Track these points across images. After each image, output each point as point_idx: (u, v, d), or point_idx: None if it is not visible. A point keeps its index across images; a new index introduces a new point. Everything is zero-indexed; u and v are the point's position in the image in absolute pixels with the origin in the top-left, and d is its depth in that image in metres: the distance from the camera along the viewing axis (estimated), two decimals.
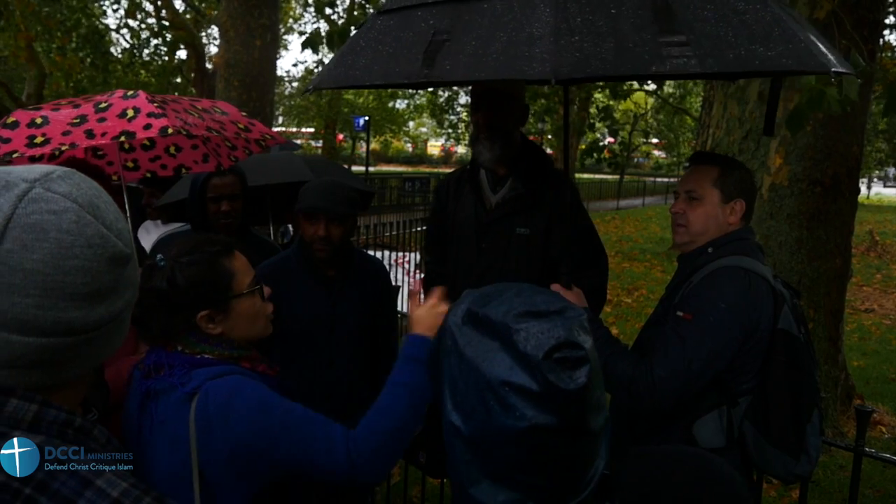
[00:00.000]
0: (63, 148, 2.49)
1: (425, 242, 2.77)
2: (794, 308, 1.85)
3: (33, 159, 2.64)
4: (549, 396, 0.84)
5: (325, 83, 1.76)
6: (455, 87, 28.59)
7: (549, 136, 23.16)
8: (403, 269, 6.12)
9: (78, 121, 2.56)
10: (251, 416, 1.31)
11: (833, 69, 1.38)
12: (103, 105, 2.64)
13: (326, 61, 1.98)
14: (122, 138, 2.50)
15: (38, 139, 2.50)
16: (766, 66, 1.34)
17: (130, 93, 2.72)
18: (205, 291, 1.41)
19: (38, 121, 2.58)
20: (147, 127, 2.49)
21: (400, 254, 6.34)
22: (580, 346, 0.86)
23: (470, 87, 2.48)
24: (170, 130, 2.47)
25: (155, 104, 2.61)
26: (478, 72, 1.41)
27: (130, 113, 2.56)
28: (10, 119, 2.62)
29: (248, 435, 1.30)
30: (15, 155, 2.45)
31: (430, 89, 29.26)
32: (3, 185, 0.78)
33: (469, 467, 0.91)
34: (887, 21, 5.38)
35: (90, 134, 2.49)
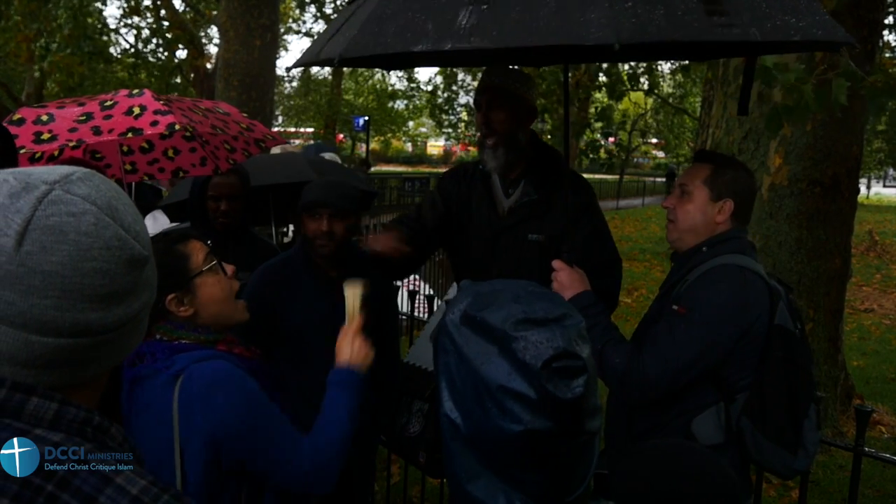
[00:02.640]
0: (70, 144, 2.51)
1: (410, 213, 2.49)
2: (790, 303, 1.87)
3: (33, 159, 2.65)
4: (546, 404, 0.86)
5: (351, 51, 1.49)
6: (454, 87, 28.61)
7: (549, 136, 23.16)
8: None
9: (84, 118, 2.57)
10: (235, 405, 1.40)
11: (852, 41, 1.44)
12: (109, 103, 2.66)
13: None
14: (130, 135, 2.52)
15: (45, 135, 2.51)
16: (801, 37, 1.37)
17: (136, 91, 2.74)
18: (164, 275, 1.49)
19: (45, 118, 2.59)
20: (154, 124, 2.50)
21: None
22: (578, 356, 0.88)
23: (474, 87, 2.43)
24: (177, 127, 2.48)
25: (161, 102, 2.63)
26: (530, 36, 1.33)
27: (136, 111, 2.57)
28: (17, 116, 2.64)
29: (229, 422, 1.39)
30: (22, 151, 2.46)
31: (429, 90, 29.26)
32: (24, 188, 0.79)
33: (466, 464, 0.93)
34: (887, 21, 5.38)
35: (97, 130, 2.51)
